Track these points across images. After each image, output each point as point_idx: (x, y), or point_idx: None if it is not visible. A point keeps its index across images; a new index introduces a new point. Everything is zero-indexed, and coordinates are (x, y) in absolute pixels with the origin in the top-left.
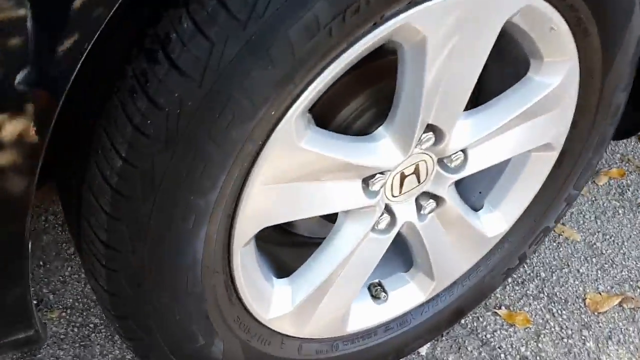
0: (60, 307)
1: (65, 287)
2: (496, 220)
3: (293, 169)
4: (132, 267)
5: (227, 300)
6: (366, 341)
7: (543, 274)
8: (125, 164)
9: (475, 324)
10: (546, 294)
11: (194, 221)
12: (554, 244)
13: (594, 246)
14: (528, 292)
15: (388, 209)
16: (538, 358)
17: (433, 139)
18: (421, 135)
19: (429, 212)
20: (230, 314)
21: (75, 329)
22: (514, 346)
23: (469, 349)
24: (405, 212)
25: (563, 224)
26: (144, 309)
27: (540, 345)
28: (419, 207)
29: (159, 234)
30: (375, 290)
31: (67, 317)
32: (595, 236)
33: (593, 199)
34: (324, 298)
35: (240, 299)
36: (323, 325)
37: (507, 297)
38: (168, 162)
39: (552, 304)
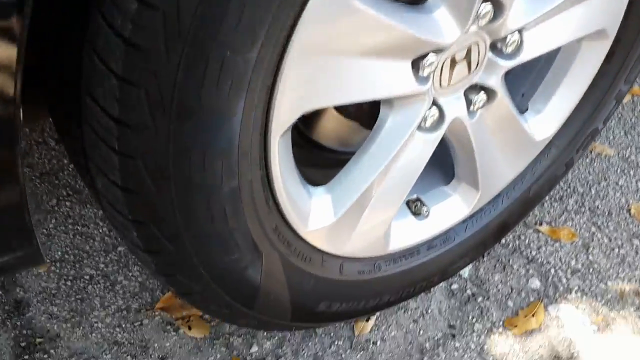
0: (48, 260)
1: (51, 240)
2: (543, 122)
3: (341, 34)
4: (153, 151)
5: (264, 204)
6: (409, 260)
7: (581, 189)
8: (141, 5)
9: (517, 242)
10: (587, 208)
11: (231, 87)
12: (587, 160)
13: (629, 159)
14: (568, 207)
15: (436, 103)
16: (591, 270)
17: (491, 12)
18: (480, 7)
19: (479, 108)
20: (268, 221)
21: (69, 282)
22: (563, 260)
23: (514, 267)
24: (455, 106)
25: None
26: (169, 209)
27: (590, 257)
28: (468, 102)
29: (188, 102)
30: (415, 207)
31: (57, 270)
32: (629, 150)
33: (619, 115)
34: (365, 211)
35: (277, 204)
36: (364, 243)
37: (546, 214)
38: (197, 2)
39: (596, 217)
